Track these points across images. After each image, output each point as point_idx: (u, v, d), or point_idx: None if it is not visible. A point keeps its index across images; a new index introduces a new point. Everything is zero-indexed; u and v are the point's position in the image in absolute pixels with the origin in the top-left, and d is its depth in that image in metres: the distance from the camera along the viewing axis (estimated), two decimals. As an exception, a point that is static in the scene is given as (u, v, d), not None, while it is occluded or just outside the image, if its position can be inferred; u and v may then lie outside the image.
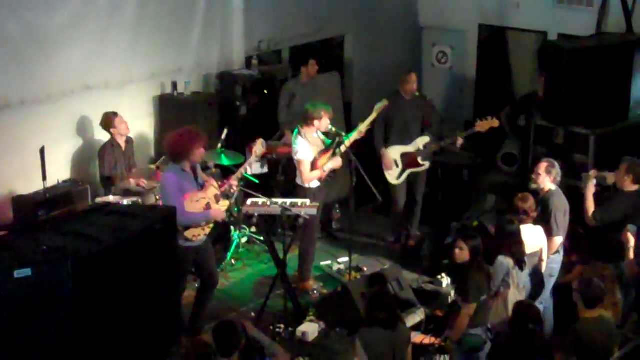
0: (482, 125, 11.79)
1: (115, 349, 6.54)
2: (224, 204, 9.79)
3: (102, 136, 11.86)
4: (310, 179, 10.77)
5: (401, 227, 12.47)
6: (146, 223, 6.84)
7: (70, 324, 6.24)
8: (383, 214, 12.91)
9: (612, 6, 13.40)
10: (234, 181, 10.07)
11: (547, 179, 10.06)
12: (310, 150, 10.74)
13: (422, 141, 12.02)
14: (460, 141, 11.89)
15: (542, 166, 10.17)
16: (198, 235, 9.15)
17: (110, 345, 6.49)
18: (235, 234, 11.72)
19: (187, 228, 9.01)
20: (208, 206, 9.49)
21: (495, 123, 11.77)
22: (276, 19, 14.31)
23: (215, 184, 9.85)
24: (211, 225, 9.56)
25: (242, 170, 10.35)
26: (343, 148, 10.77)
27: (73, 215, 7.65)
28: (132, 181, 11.38)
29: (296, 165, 10.82)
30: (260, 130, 12.28)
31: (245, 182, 11.78)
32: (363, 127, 11.22)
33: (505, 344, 8.12)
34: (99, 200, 11.03)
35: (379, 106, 11.39)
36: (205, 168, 10.92)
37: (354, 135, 11.06)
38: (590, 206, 9.76)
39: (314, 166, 10.74)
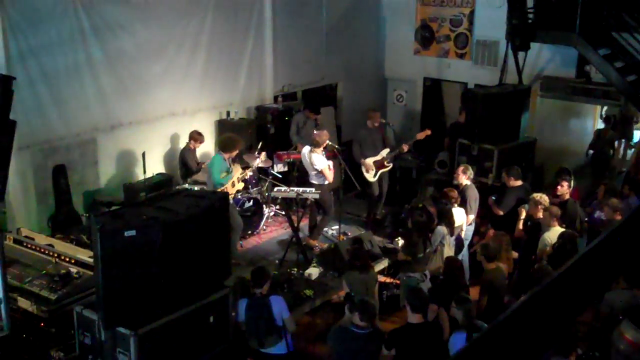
0: (420, 135, 11.97)
1: (188, 281, 6.53)
2: (240, 185, 10.41)
3: (181, 145, 11.96)
4: (331, 178, 10.83)
5: (373, 208, 12.45)
6: (209, 202, 6.78)
7: (160, 266, 6.22)
8: (361, 199, 12.90)
9: (509, 66, 13.40)
10: (248, 171, 10.61)
11: (464, 177, 10.17)
12: (323, 159, 10.75)
13: (384, 152, 12.02)
14: (405, 148, 11.99)
15: (460, 169, 10.31)
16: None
17: (185, 279, 6.49)
18: (265, 209, 11.74)
19: None
20: (232, 184, 10.21)
21: (428, 132, 11.99)
22: (293, 71, 14.27)
23: (238, 172, 10.42)
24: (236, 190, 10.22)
25: (251, 168, 10.89)
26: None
27: (163, 196, 7.63)
28: (200, 175, 11.50)
29: (321, 173, 10.73)
30: (282, 143, 12.37)
31: (272, 176, 11.90)
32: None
33: (440, 283, 8.21)
34: (179, 187, 11.14)
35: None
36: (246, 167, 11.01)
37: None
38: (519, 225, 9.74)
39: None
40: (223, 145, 10.37)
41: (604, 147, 14.02)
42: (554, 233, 8.72)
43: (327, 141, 10.80)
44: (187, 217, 6.40)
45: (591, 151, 14.40)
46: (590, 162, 14.47)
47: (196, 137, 11.65)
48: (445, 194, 9.60)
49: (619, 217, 9.07)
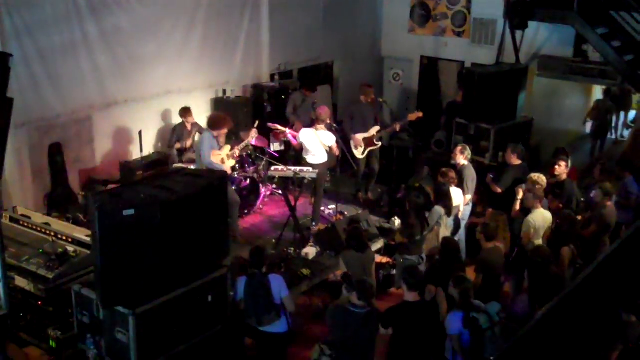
0: (411, 116, 11.88)
1: (186, 259, 6.52)
2: (231, 162, 10.35)
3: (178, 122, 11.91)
4: (338, 152, 10.84)
5: (360, 185, 12.43)
6: (208, 181, 6.75)
7: (158, 245, 6.20)
8: (358, 177, 12.90)
9: (506, 45, 13.36)
10: (236, 150, 10.45)
11: (462, 157, 10.15)
12: (331, 135, 10.70)
13: (374, 130, 11.99)
14: (397, 127, 12.00)
15: (458, 149, 10.27)
16: None
17: (183, 257, 6.47)
18: (262, 188, 11.68)
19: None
20: (222, 161, 10.10)
21: (419, 114, 11.92)
22: (290, 50, 14.20)
23: (227, 149, 10.31)
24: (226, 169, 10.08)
25: (242, 144, 10.68)
26: None
27: (161, 175, 7.59)
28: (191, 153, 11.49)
29: (331, 149, 10.70)
30: (279, 122, 12.30)
31: (269, 155, 11.86)
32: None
33: (437, 264, 8.22)
34: (175, 166, 11.09)
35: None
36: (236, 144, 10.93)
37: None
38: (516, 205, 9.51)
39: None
40: (211, 123, 10.27)
41: (604, 117, 14.71)
42: (537, 215, 8.74)
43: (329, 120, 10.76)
44: (185, 196, 6.38)
45: (589, 121, 14.69)
46: (591, 131, 14.80)
47: (181, 113, 11.67)
48: (444, 174, 9.58)
49: (609, 203, 9.10)
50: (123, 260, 6.08)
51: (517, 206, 9.51)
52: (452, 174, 9.64)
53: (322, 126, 10.61)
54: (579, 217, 9.19)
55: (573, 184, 9.96)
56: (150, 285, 6.29)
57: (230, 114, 10.96)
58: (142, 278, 6.20)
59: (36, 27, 9.97)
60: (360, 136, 11.97)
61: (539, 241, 8.58)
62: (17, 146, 9.94)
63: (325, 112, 10.68)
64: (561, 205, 9.58)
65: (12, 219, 8.60)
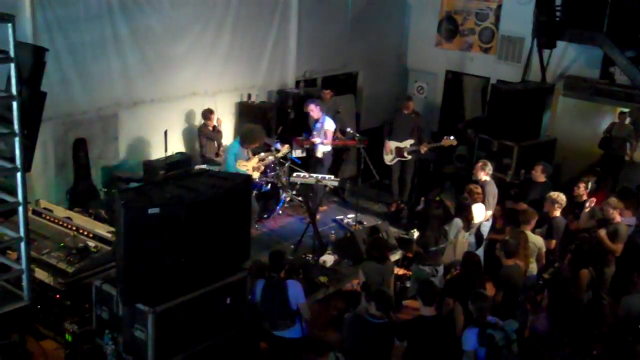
0: (445, 142, 11.80)
1: (208, 261, 6.55)
2: (255, 174, 10.47)
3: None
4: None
5: (393, 195, 12.51)
6: (232, 184, 6.79)
7: (181, 244, 6.24)
8: (378, 188, 12.93)
9: (533, 63, 13.35)
10: (262, 165, 10.82)
11: (482, 173, 10.11)
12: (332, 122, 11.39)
13: (408, 142, 12.04)
14: (424, 149, 11.95)
15: (479, 165, 10.23)
16: None
17: (205, 258, 6.51)
18: (283, 194, 11.71)
19: None
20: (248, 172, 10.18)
21: (454, 142, 11.77)
22: (315, 58, 14.26)
23: (255, 161, 10.56)
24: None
25: (269, 158, 11.01)
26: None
27: (186, 175, 7.63)
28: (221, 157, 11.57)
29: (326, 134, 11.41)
30: (302, 129, 12.35)
31: (291, 162, 11.91)
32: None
33: (456, 277, 8.19)
34: (197, 167, 11.16)
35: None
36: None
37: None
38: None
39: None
40: (244, 137, 10.45)
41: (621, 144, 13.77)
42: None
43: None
44: (210, 198, 6.43)
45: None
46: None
47: (204, 115, 11.76)
48: (470, 192, 9.55)
49: (618, 218, 9.01)
50: (146, 258, 6.12)
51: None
52: (479, 190, 9.62)
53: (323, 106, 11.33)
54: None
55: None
56: (171, 284, 6.33)
57: (255, 119, 11.05)
58: (163, 277, 6.24)
59: (68, 23, 10.08)
60: (392, 144, 12.12)
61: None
62: (42, 140, 9.93)
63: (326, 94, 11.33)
64: (581, 226, 9.54)
65: (34, 212, 8.69)
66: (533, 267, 8.68)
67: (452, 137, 11.65)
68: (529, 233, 8.76)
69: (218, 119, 11.92)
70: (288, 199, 11.93)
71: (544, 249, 8.85)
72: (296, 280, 7.52)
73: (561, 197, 9.27)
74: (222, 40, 12.38)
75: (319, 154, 11.82)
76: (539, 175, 10.29)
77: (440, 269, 8.88)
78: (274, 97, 13.47)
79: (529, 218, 8.82)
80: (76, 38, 10.24)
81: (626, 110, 13.71)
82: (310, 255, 9.92)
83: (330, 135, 11.65)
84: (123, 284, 6.20)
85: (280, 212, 11.69)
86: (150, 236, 6.07)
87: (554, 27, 12.57)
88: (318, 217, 10.86)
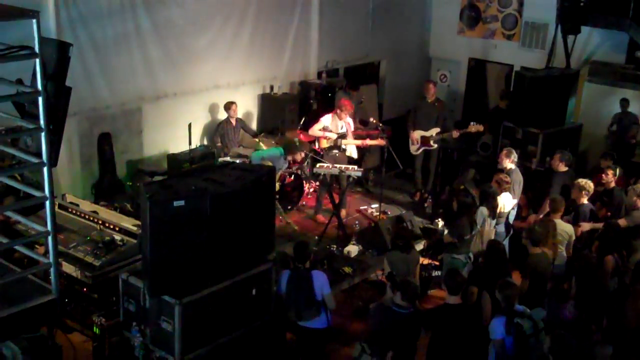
0: (472, 128, 11.75)
1: (233, 252, 6.58)
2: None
3: (224, 117, 12.02)
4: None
5: (417, 184, 12.52)
6: (257, 176, 6.80)
7: (208, 235, 6.27)
8: (402, 177, 12.91)
9: (557, 49, 13.24)
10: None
11: (507, 161, 10.03)
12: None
13: (434, 131, 12.03)
14: (456, 134, 11.91)
15: (504, 153, 10.15)
16: None
17: (230, 250, 6.54)
18: (306, 185, 11.72)
19: None
20: None
21: (480, 128, 11.75)
22: (337, 48, 14.22)
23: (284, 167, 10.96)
24: None
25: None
26: None
27: (210, 167, 7.65)
28: (241, 148, 11.60)
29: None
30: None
31: (314, 152, 11.91)
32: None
33: (482, 266, 8.17)
34: (220, 159, 11.20)
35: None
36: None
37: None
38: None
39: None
40: (285, 147, 10.88)
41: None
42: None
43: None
44: (235, 190, 6.44)
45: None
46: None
47: (227, 107, 11.84)
48: (500, 181, 9.50)
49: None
50: (172, 250, 6.16)
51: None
52: (508, 180, 9.56)
53: (343, 115, 11.16)
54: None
55: (622, 191, 9.79)
56: (197, 276, 6.37)
57: (277, 111, 11.04)
58: (189, 268, 6.28)
59: (91, 18, 10.14)
60: (418, 133, 12.11)
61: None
62: (67, 135, 9.92)
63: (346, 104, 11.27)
64: (609, 214, 9.46)
65: (61, 206, 8.74)
66: (562, 255, 8.64)
67: (478, 124, 11.67)
68: (559, 221, 8.72)
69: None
70: (311, 190, 11.93)
71: (574, 237, 8.82)
72: (321, 271, 7.54)
73: (589, 184, 9.24)
74: (243, 32, 12.38)
75: (355, 155, 11.70)
76: (559, 165, 10.20)
77: (471, 256, 8.86)
78: (296, 89, 13.47)
79: (557, 206, 8.84)
80: (99, 33, 10.32)
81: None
82: (335, 246, 9.93)
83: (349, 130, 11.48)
84: (149, 276, 6.24)
85: (304, 203, 11.71)
86: (176, 228, 6.11)
87: (579, 12, 12.46)
88: (343, 212, 10.88)
